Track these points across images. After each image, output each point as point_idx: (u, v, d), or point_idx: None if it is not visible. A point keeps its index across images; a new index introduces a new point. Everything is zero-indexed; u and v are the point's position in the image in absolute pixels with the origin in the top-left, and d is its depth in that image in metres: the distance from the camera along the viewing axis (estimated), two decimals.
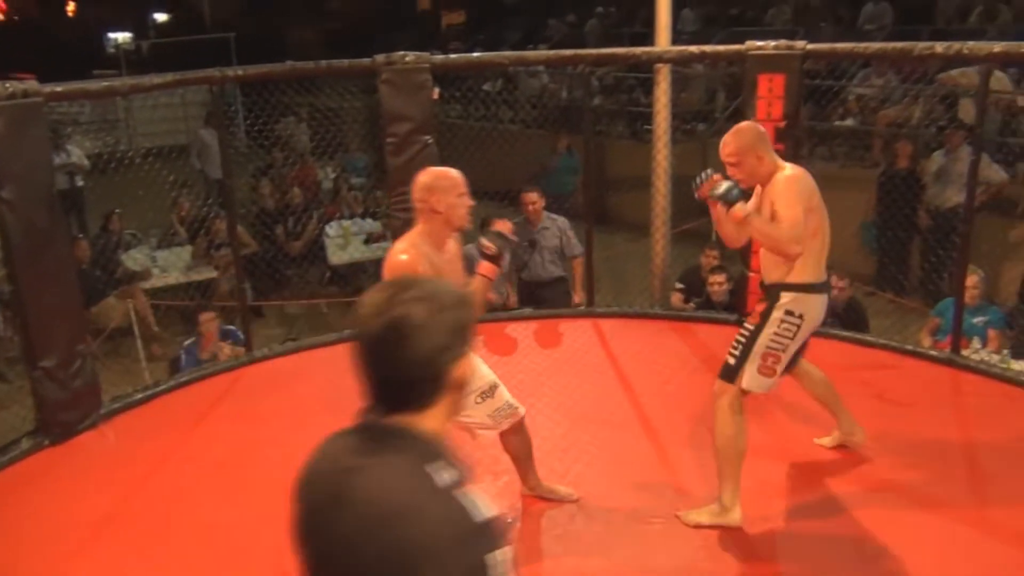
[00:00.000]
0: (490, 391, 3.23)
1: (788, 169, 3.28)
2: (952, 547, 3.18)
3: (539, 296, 6.06)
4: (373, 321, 1.35)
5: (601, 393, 4.52)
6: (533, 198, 6.05)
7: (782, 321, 3.26)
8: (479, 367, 3.20)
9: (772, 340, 3.28)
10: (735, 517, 3.29)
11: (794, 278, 3.27)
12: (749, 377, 3.30)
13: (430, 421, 1.41)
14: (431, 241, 2.97)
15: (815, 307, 3.29)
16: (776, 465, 3.76)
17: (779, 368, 3.32)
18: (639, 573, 3.12)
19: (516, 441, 3.41)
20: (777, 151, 4.83)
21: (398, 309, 1.34)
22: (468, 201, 2.99)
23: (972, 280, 5.32)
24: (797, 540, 3.27)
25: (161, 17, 25.92)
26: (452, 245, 3.08)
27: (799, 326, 3.28)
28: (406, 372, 1.36)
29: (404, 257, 2.87)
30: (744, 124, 3.38)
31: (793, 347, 3.32)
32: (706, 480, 3.67)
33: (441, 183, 2.96)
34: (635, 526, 3.38)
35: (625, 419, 4.25)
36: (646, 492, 3.61)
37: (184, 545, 3.37)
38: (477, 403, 3.19)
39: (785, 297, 3.27)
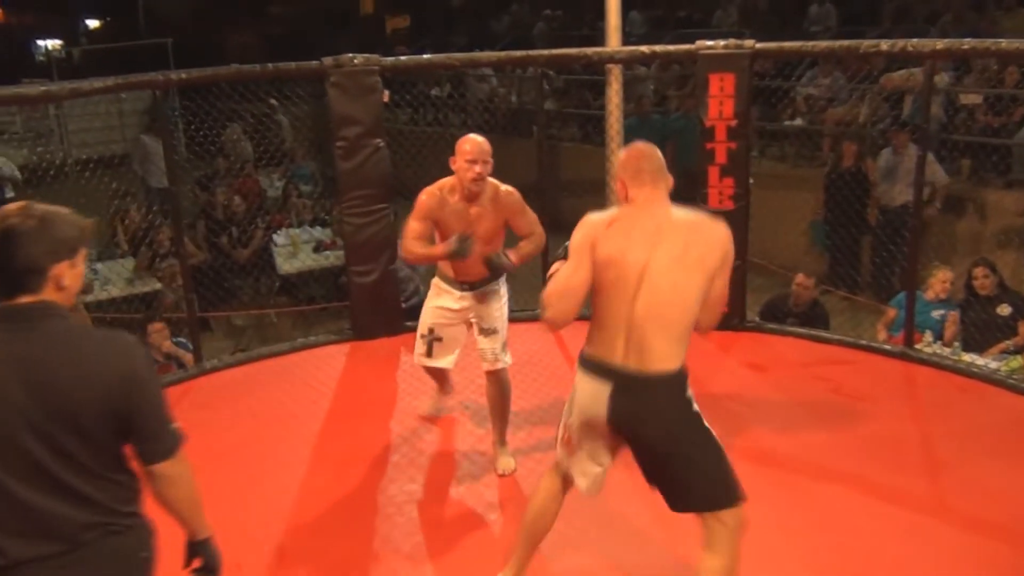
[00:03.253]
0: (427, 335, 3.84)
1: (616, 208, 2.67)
2: (910, 536, 3.28)
3: None
4: None
5: (536, 397, 4.54)
6: None
7: (573, 390, 2.67)
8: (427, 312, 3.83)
9: (567, 409, 2.71)
10: None
11: (585, 343, 2.63)
12: (559, 443, 2.78)
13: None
14: (458, 191, 3.59)
15: (585, 392, 2.57)
16: (737, 462, 3.83)
17: (575, 450, 2.67)
18: (603, 572, 3.16)
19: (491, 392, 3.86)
20: (730, 149, 5.02)
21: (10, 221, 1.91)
22: (476, 168, 3.48)
23: (946, 275, 5.52)
24: (757, 536, 3.34)
25: (93, 23, 25.44)
26: (483, 202, 3.59)
27: (571, 406, 2.65)
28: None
29: (423, 196, 3.64)
30: (633, 145, 2.71)
31: (577, 434, 2.64)
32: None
33: (459, 146, 3.54)
34: (598, 525, 3.43)
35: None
36: (594, 502, 3.65)
37: None
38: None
39: (579, 361, 2.65)
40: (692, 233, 2.50)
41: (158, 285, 7.21)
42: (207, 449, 4.16)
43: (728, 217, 4.97)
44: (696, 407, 2.55)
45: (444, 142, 8.47)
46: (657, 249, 2.46)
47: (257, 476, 3.91)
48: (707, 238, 2.50)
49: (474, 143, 3.51)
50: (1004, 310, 5.41)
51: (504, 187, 3.63)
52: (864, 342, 5.11)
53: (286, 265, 7.89)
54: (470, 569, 3.20)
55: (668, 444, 2.52)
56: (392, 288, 5.46)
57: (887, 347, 5.05)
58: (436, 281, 3.84)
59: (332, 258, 7.82)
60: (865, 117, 8.42)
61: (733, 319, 5.25)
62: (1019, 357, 4.90)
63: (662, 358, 2.47)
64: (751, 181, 5.23)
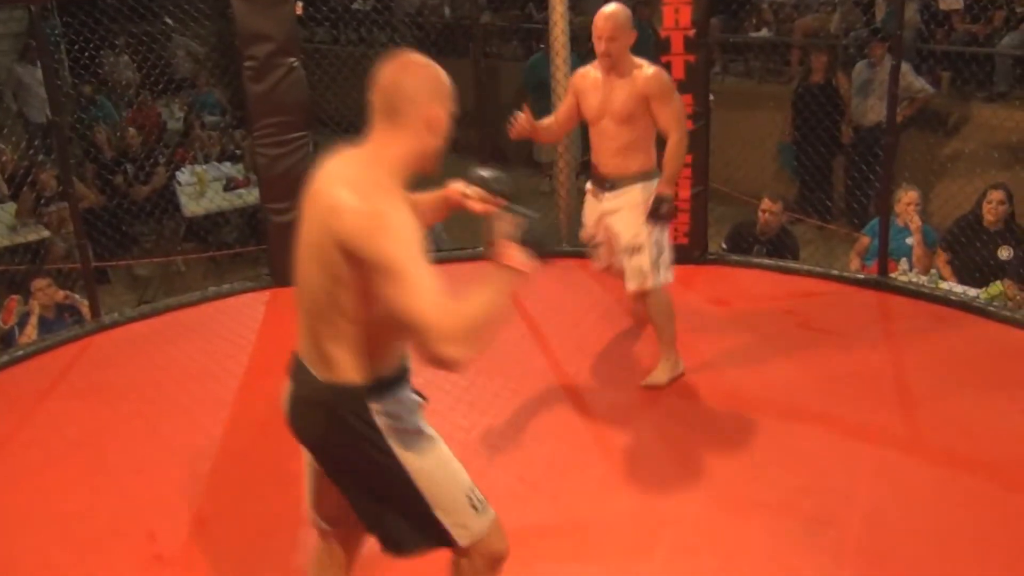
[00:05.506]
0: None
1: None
2: (884, 474, 3.43)
3: None
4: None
5: (506, 341, 4.62)
6: None
7: None
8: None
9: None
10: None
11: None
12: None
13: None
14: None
15: None
16: (703, 402, 3.96)
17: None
18: (560, 527, 3.25)
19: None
20: (688, 63, 5.06)
21: None
22: (601, 45, 3.90)
23: (911, 196, 5.63)
24: (727, 475, 3.46)
25: None
26: (622, 77, 3.92)
27: None
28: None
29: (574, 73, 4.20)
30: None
31: None
32: (625, 425, 3.85)
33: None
34: (551, 478, 3.52)
35: (533, 367, 4.37)
36: (560, 442, 3.75)
37: (37, 537, 3.33)
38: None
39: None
40: (316, 207, 2.09)
41: (46, 233, 7.07)
42: (112, 412, 4.16)
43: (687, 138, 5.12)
44: (381, 447, 2.15)
45: (368, 62, 8.42)
46: (304, 221, 2.14)
47: (169, 439, 3.91)
48: (327, 217, 2.03)
49: (600, 18, 3.85)
50: (1004, 253, 5.36)
51: (650, 68, 3.89)
52: (835, 272, 5.26)
53: (192, 206, 7.77)
54: None
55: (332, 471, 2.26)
56: None
57: (860, 276, 5.20)
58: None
59: (246, 196, 7.74)
60: (836, 26, 8.51)
61: (694, 251, 5.34)
62: (999, 283, 5.06)
63: (325, 362, 2.15)
64: (711, 99, 5.28)
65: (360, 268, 1.98)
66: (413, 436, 2.20)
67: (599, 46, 3.87)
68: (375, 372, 2.14)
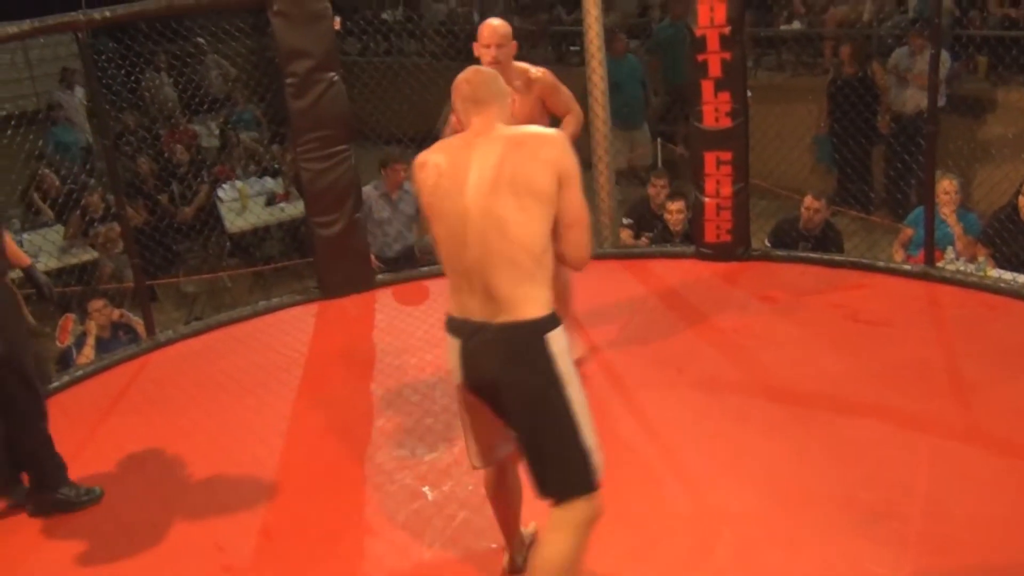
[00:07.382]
0: None
1: None
2: (942, 464, 3.43)
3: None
4: None
5: None
6: (401, 167, 6.53)
7: None
8: None
9: None
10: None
11: None
12: None
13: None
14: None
15: (448, 351, 2.64)
16: (754, 398, 3.98)
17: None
18: (619, 526, 3.29)
19: None
20: (724, 61, 5.08)
21: None
22: (491, 52, 3.88)
23: (952, 185, 5.61)
24: (784, 470, 3.48)
25: None
26: (515, 86, 3.91)
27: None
28: None
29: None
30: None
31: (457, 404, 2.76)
32: (679, 423, 3.88)
33: (478, 33, 3.96)
34: (607, 477, 3.54)
35: (583, 367, 4.41)
36: (614, 441, 3.78)
37: (108, 552, 3.42)
38: None
39: None
40: (509, 151, 2.50)
41: (94, 253, 7.21)
42: (172, 428, 4.26)
43: (726, 136, 5.14)
44: (562, 366, 2.49)
45: (405, 72, 8.49)
46: (468, 179, 2.50)
47: (230, 452, 4.00)
48: (530, 155, 2.49)
49: (488, 28, 3.97)
50: None
51: (535, 69, 4.10)
52: (882, 263, 5.25)
53: (237, 221, 7.89)
54: (473, 534, 3.32)
55: (523, 408, 2.53)
56: (360, 239, 5.52)
57: (906, 267, 5.19)
58: None
59: (288, 211, 7.84)
60: (870, 15, 8.47)
61: (738, 248, 5.36)
62: None
63: (511, 304, 2.46)
64: (748, 94, 5.29)
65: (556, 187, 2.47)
66: (572, 364, 2.53)
67: (488, 54, 3.92)
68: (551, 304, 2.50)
